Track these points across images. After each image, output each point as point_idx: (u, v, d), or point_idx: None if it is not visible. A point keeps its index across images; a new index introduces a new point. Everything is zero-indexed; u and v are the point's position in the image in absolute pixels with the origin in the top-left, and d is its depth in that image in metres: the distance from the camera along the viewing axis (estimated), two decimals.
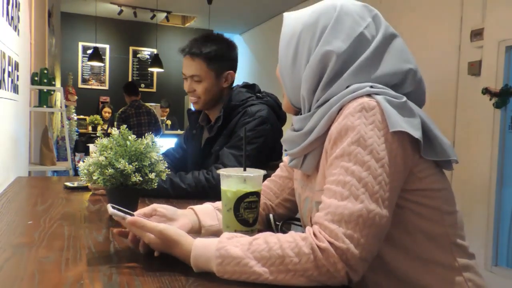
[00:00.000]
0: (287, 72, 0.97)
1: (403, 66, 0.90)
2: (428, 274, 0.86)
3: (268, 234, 0.79)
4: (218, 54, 1.67)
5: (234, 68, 1.75)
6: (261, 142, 1.59)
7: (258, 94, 1.74)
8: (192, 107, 1.85)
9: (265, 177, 1.15)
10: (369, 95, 0.84)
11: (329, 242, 0.74)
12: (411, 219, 0.86)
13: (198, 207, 1.05)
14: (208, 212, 1.04)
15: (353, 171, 0.78)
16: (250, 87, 1.77)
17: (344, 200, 0.76)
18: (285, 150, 1.02)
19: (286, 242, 0.75)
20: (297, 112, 1.01)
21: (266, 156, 1.61)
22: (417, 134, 0.81)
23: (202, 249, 0.78)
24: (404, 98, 0.85)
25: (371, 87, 0.85)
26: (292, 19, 0.98)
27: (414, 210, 0.86)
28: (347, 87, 0.87)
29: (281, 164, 1.20)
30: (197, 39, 1.69)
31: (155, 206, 0.98)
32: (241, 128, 1.60)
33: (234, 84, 1.79)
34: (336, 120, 0.84)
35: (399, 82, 0.90)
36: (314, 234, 0.76)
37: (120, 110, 5.35)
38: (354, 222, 0.74)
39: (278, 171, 1.19)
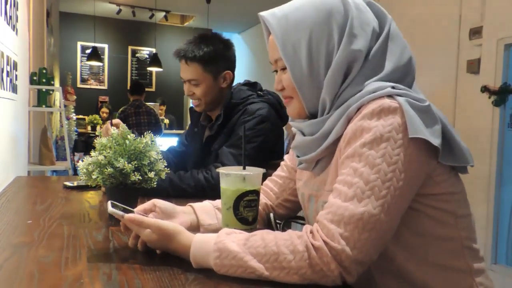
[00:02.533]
0: (304, 80, 0.89)
1: (405, 53, 0.88)
2: (439, 278, 0.85)
3: (265, 232, 0.79)
4: (213, 56, 1.64)
5: (231, 67, 1.72)
6: (260, 141, 1.58)
7: (259, 92, 1.73)
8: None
9: (265, 176, 1.15)
10: (390, 96, 0.80)
11: (324, 242, 0.73)
12: (425, 223, 0.84)
13: (197, 205, 1.04)
14: (207, 210, 1.04)
15: (361, 173, 0.76)
16: (251, 85, 1.76)
17: (347, 201, 0.75)
18: (298, 156, 0.98)
19: (282, 239, 0.75)
20: (309, 117, 0.95)
21: (266, 155, 1.61)
22: (436, 142, 0.78)
23: (201, 244, 0.78)
24: (427, 102, 0.81)
25: (393, 87, 0.82)
26: (286, 18, 0.90)
27: (430, 214, 0.84)
28: (365, 86, 0.84)
29: (282, 163, 1.18)
30: (191, 41, 1.67)
31: (155, 201, 0.99)
32: (241, 127, 1.59)
33: (235, 83, 1.79)
34: (353, 121, 0.81)
35: (403, 74, 0.87)
36: (312, 232, 0.76)
37: (120, 109, 5.34)
38: (353, 225, 0.73)
39: (278, 171, 1.18)
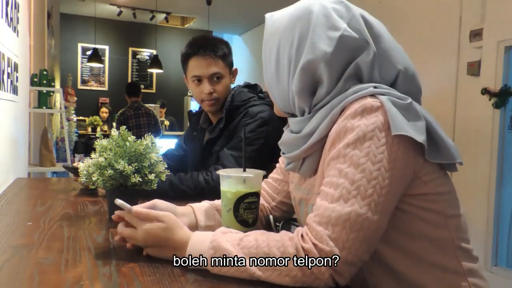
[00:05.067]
0: (272, 81, 0.95)
1: (392, 69, 0.88)
2: (432, 279, 0.84)
3: (259, 232, 0.80)
4: (227, 53, 1.71)
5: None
6: (261, 143, 1.58)
7: (260, 94, 1.74)
8: (193, 109, 1.85)
9: (265, 178, 1.15)
10: (372, 95, 0.81)
11: (313, 244, 0.73)
12: (415, 224, 0.84)
13: (196, 206, 1.05)
14: (206, 211, 1.04)
15: (346, 173, 0.76)
16: (251, 87, 1.76)
17: (334, 202, 0.75)
18: (283, 153, 0.99)
19: (274, 241, 0.76)
20: (289, 114, 0.98)
21: (267, 158, 1.60)
22: (420, 138, 0.77)
23: (197, 242, 0.80)
24: (410, 99, 0.81)
25: (375, 87, 0.82)
26: (273, 21, 0.95)
27: (419, 215, 0.84)
28: (347, 89, 0.84)
29: (277, 165, 1.18)
30: (206, 38, 1.73)
31: (156, 201, 0.99)
32: (242, 129, 1.59)
33: (235, 84, 1.79)
34: (337, 121, 0.82)
35: (390, 84, 0.88)
36: (302, 235, 0.76)
37: (119, 111, 5.34)
38: (341, 226, 0.73)
39: (273, 173, 1.18)
